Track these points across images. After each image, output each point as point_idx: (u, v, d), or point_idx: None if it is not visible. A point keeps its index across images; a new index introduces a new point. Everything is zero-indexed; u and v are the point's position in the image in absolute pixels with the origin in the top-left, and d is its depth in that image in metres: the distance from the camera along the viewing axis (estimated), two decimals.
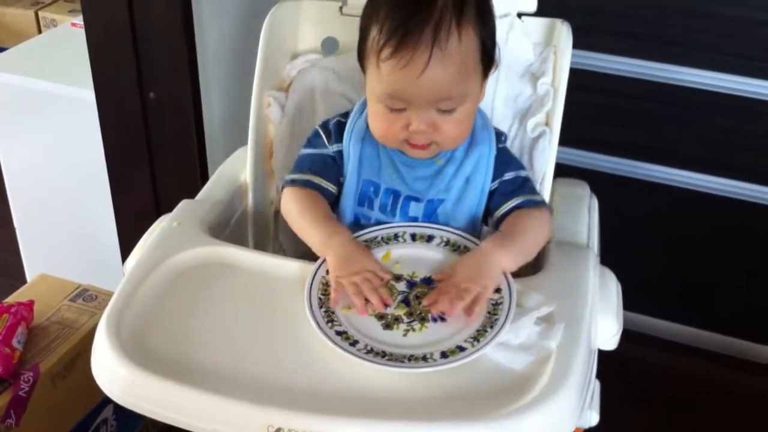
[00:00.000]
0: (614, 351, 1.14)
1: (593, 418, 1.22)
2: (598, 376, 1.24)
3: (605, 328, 1.07)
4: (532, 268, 1.11)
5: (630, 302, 1.23)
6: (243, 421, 0.87)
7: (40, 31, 2.75)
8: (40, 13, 2.76)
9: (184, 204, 1.22)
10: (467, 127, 1.10)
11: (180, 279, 1.06)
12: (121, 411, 1.62)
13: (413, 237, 1.11)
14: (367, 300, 1.00)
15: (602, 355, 1.16)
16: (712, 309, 2.11)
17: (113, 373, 0.93)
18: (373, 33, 1.04)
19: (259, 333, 0.99)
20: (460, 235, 1.11)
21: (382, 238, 1.11)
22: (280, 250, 1.30)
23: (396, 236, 1.11)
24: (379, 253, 1.09)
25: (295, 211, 1.12)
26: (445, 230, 1.11)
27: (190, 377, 0.91)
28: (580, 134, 1.94)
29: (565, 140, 1.39)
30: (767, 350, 2.10)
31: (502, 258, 1.04)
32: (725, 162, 1.92)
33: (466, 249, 1.09)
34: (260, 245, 1.31)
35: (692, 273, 2.08)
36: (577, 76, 1.86)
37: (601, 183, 1.44)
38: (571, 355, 0.94)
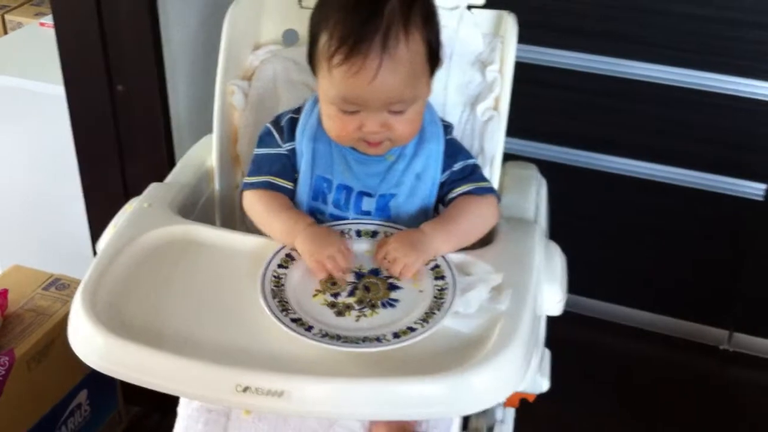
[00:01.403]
0: (572, 335, 1.19)
1: (543, 384, 1.27)
2: (555, 355, 1.30)
3: (551, 295, 1.13)
4: (483, 243, 1.16)
5: (583, 288, 1.27)
6: (213, 381, 0.92)
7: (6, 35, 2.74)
8: (6, 17, 2.74)
9: (153, 187, 1.25)
10: (418, 124, 1.14)
11: (152, 255, 1.11)
12: (95, 395, 1.65)
13: (358, 233, 1.15)
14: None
15: (560, 339, 1.21)
16: (665, 293, 2.18)
17: (90, 342, 0.97)
18: (323, 39, 1.06)
19: (225, 303, 1.04)
20: (401, 230, 1.15)
21: None
22: (246, 232, 1.35)
23: (342, 233, 1.14)
24: None
25: (259, 210, 1.16)
26: (387, 226, 1.15)
27: (164, 344, 0.95)
28: (537, 126, 2.01)
29: (522, 132, 1.44)
30: (717, 332, 2.17)
31: (437, 239, 1.10)
32: (676, 151, 1.99)
33: None
34: (227, 227, 1.33)
35: (646, 259, 2.15)
36: (533, 71, 1.93)
37: (557, 173, 1.48)
38: (517, 317, 1.00)
